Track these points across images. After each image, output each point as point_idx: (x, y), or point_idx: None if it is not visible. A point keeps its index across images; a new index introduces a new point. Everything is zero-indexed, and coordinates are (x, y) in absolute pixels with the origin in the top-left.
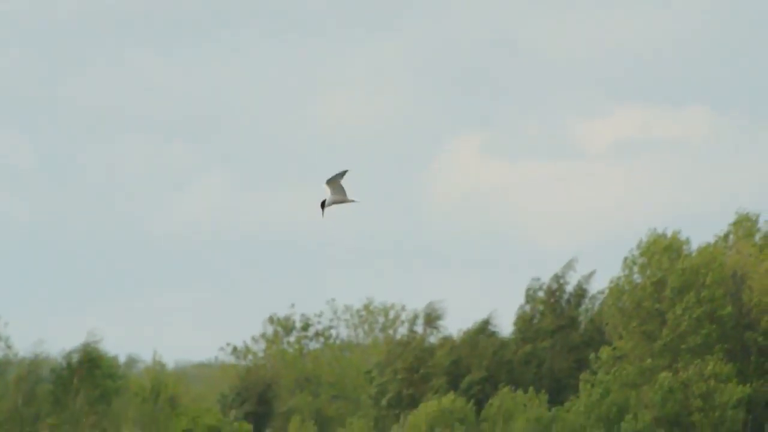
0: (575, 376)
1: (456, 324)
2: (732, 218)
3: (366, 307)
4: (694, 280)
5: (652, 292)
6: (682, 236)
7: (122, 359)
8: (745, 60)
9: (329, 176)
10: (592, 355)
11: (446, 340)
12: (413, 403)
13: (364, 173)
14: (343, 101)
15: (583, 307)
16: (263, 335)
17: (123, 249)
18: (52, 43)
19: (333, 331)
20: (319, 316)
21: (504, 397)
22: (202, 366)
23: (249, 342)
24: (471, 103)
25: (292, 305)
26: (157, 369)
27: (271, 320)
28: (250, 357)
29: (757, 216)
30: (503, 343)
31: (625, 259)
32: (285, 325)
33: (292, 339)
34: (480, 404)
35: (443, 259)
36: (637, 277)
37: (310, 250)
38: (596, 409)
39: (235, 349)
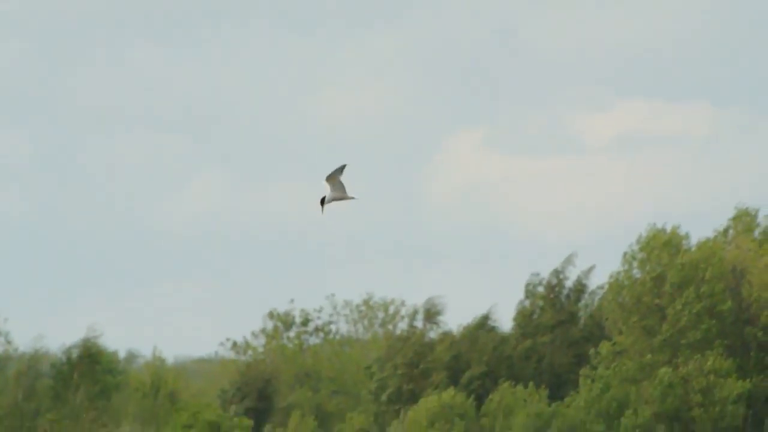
0: (575, 372)
1: (456, 319)
2: (731, 213)
3: (366, 302)
4: (694, 275)
5: (652, 287)
6: (682, 231)
7: (122, 354)
8: (745, 56)
9: (328, 173)
10: (591, 351)
11: (446, 335)
12: (413, 398)
13: (365, 169)
14: (344, 98)
15: (583, 302)
16: (263, 330)
17: (123, 245)
18: (52, 40)
19: (333, 327)
20: (319, 311)
21: (504, 393)
22: (202, 361)
23: (249, 337)
24: (472, 98)
25: (292, 300)
26: (157, 364)
27: (271, 315)
28: (249, 352)
29: (757, 211)
30: (503, 339)
31: (625, 254)
32: (285, 321)
33: (291, 334)
34: (480, 399)
35: (443, 255)
36: (636, 272)
37: (310, 245)
38: (596, 405)
39: (235, 344)
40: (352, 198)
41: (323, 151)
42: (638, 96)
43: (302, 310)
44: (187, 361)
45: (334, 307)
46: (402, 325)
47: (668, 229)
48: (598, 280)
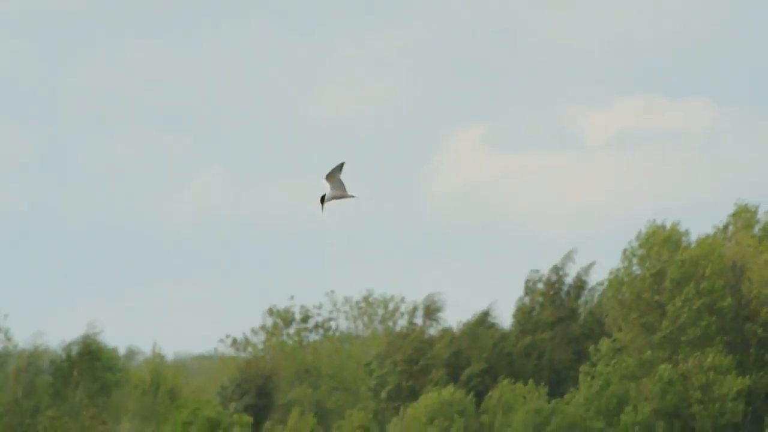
0: (575, 368)
1: (455, 316)
2: (731, 209)
3: (365, 299)
4: (694, 271)
5: (652, 284)
6: (682, 228)
7: (122, 351)
8: (745, 52)
9: (327, 171)
10: (591, 347)
11: (446, 332)
12: (413, 395)
13: (365, 166)
14: (343, 97)
15: (583, 298)
16: (263, 327)
17: (123, 242)
18: (52, 40)
19: (332, 323)
20: (319, 308)
21: (504, 390)
22: (201, 358)
23: (248, 334)
24: (471, 97)
25: (292, 297)
26: (157, 361)
27: (270, 312)
28: (249, 349)
29: (757, 207)
30: (503, 335)
31: (625, 250)
32: (284, 317)
33: (291, 331)
34: (480, 396)
35: (443, 251)
36: (636, 269)
37: (310, 241)
38: (596, 401)
39: (234, 341)
40: (352, 196)
41: (323, 149)
42: (638, 93)
43: (302, 307)
44: (187, 358)
45: (334, 304)
46: (402, 322)
47: (668, 225)
48: (597, 277)
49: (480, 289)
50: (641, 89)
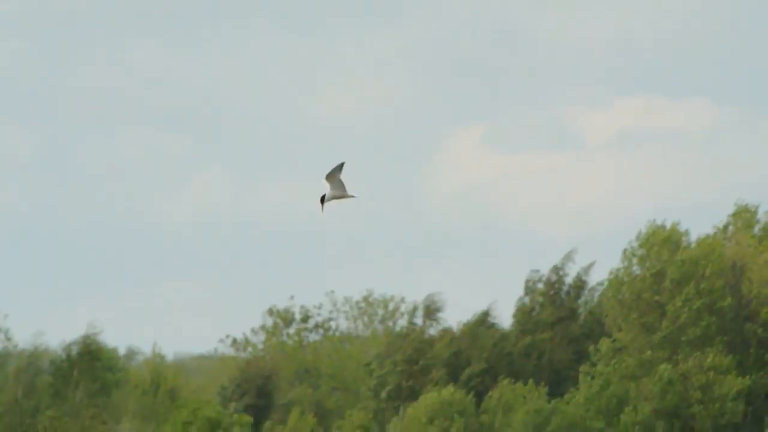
0: (575, 368)
1: (455, 316)
2: (731, 209)
3: (365, 299)
4: (694, 271)
5: (652, 284)
6: (682, 228)
7: (122, 351)
8: (745, 52)
9: (327, 171)
10: (591, 347)
11: (446, 332)
12: (413, 395)
13: (365, 165)
14: (343, 97)
15: (583, 298)
16: (263, 327)
17: (123, 242)
18: (52, 39)
19: (332, 323)
20: (319, 308)
21: (504, 390)
22: (201, 358)
23: (248, 334)
24: (471, 97)
25: (292, 297)
26: (157, 361)
27: (270, 312)
28: (249, 349)
29: (757, 207)
30: (503, 335)
31: (625, 250)
32: (284, 317)
33: (291, 331)
34: (480, 396)
35: (443, 251)
36: (636, 269)
37: (310, 241)
38: (596, 402)
39: (234, 341)
40: (353, 196)
41: (323, 149)
42: (638, 93)
43: (302, 307)
44: (187, 358)
45: (334, 304)
46: (402, 322)
47: (668, 225)
48: (597, 277)
49: (480, 289)
50: (641, 89)
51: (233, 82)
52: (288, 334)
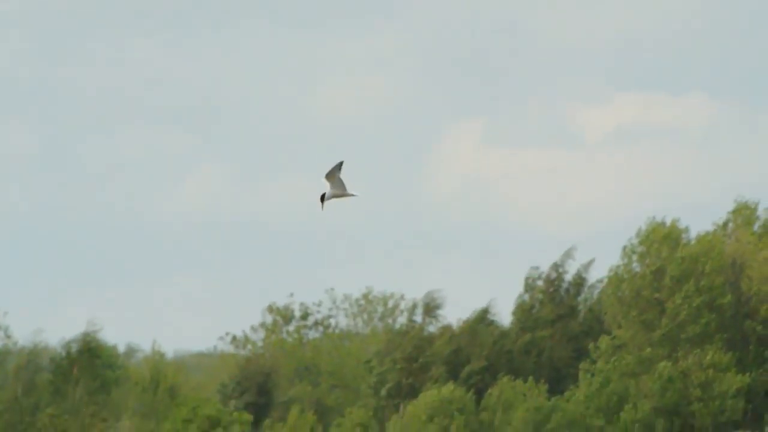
0: (575, 366)
1: (455, 313)
2: (731, 206)
3: (365, 296)
4: (693, 268)
5: (651, 281)
6: (681, 224)
7: (121, 349)
8: (744, 48)
9: (326, 171)
10: (591, 345)
11: (445, 329)
12: (412, 392)
13: (364, 163)
14: (343, 93)
15: (582, 296)
16: (262, 324)
17: (122, 239)
18: (52, 36)
19: (332, 321)
20: (319, 305)
21: (503, 387)
22: (201, 355)
23: (248, 331)
24: (470, 93)
25: (291, 294)
26: (157, 359)
27: (270, 309)
28: (249, 346)
29: (756, 204)
30: (502, 333)
31: (624, 247)
32: (284, 315)
33: (291, 328)
34: (479, 394)
35: (442, 248)
36: (636, 266)
37: (309, 239)
38: (596, 399)
39: (234, 338)
40: (353, 195)
41: (323, 145)
42: (637, 89)
43: (302, 304)
44: (187, 356)
45: (334, 301)
46: (401, 320)
47: (668, 222)
48: (597, 274)
49: (480, 286)
50: (640, 86)
51: (233, 81)
52: (288, 332)
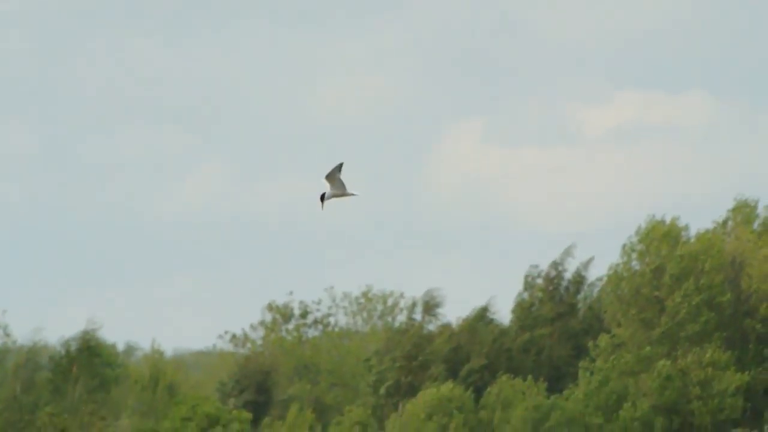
0: (574, 364)
1: (455, 312)
2: (731, 204)
3: (365, 294)
4: (693, 266)
5: (651, 279)
6: (681, 223)
7: (121, 347)
8: (744, 46)
9: (326, 172)
10: (590, 343)
11: (445, 327)
12: (412, 391)
13: (364, 162)
14: (343, 90)
15: (582, 294)
16: (262, 323)
17: (122, 237)
18: (52, 35)
19: (332, 319)
20: (318, 303)
21: (503, 385)
22: (200, 354)
23: (248, 330)
24: (471, 91)
25: (291, 293)
26: (156, 357)
27: (269, 308)
28: (248, 345)
29: (756, 202)
30: (502, 331)
31: (624, 245)
32: (284, 313)
33: (290, 327)
34: (479, 392)
35: (442, 247)
36: (635, 264)
37: (309, 237)
38: (595, 397)
39: (233, 336)
40: (353, 194)
41: (323, 145)
42: (637, 87)
43: (301, 303)
44: (186, 354)
45: (333, 300)
46: (401, 318)
47: (667, 220)
48: (597, 272)
49: (479, 284)
50: (640, 84)
51: (233, 81)
52: (287, 330)
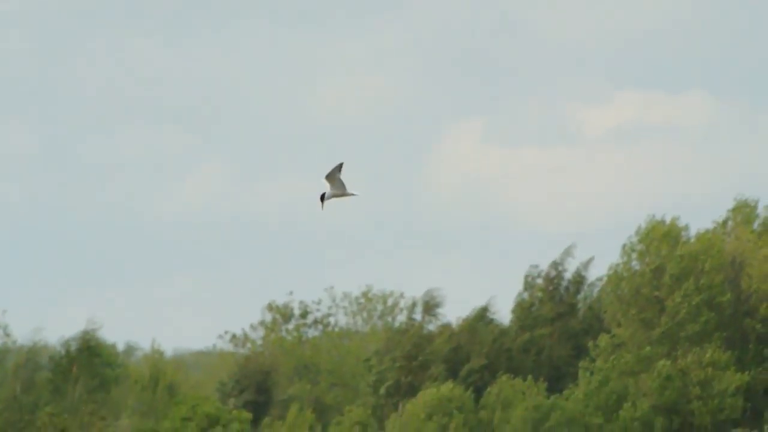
0: (574, 364)
1: (455, 312)
2: (731, 204)
3: (365, 294)
4: (693, 266)
5: (651, 279)
6: (681, 223)
7: (121, 347)
8: (744, 46)
9: (326, 172)
10: (590, 343)
11: (445, 327)
12: (412, 391)
13: (364, 162)
14: (343, 90)
15: (582, 294)
16: (262, 323)
17: (122, 237)
18: (52, 35)
19: (332, 319)
20: (318, 303)
21: (503, 385)
22: (200, 354)
23: (248, 330)
24: (471, 91)
25: (291, 293)
26: (156, 357)
27: (269, 308)
28: (248, 345)
29: (756, 202)
30: (502, 331)
31: (624, 245)
32: (284, 313)
33: (290, 327)
34: (479, 392)
35: (442, 247)
36: (635, 264)
37: (309, 237)
38: (595, 397)
39: (233, 336)
40: (353, 194)
41: (323, 145)
42: (637, 87)
43: (301, 303)
44: (186, 354)
45: (333, 300)
46: (401, 318)
47: (667, 220)
48: (597, 272)
49: (479, 284)
50: (640, 84)
51: (233, 81)
52: (287, 330)
